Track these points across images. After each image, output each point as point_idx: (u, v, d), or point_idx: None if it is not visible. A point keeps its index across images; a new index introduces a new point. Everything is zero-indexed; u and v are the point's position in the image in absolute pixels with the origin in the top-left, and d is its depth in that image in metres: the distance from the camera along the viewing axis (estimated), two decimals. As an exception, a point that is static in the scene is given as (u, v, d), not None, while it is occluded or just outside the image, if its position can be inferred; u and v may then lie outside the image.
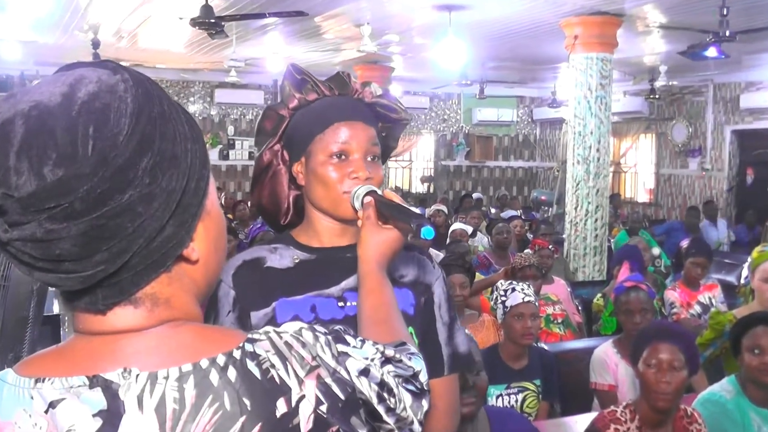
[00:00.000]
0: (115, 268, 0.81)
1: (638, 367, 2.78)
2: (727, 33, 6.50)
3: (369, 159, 1.49)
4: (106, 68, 0.84)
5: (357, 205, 1.44)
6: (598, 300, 5.22)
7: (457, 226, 7.39)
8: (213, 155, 13.76)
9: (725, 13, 6.45)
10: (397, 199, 1.41)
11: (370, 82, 1.58)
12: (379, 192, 1.43)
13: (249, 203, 8.84)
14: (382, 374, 0.93)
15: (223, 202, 11.01)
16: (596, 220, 7.65)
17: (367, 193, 1.42)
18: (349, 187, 1.45)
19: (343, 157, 1.47)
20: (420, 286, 1.61)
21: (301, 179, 1.53)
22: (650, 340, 2.77)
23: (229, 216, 8.36)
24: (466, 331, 3.31)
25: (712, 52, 6.81)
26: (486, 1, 7.28)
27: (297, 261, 1.53)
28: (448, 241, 6.98)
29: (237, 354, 0.84)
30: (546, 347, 3.96)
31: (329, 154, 1.47)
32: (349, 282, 1.51)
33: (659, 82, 11.34)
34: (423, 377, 1.02)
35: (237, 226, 8.01)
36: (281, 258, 1.53)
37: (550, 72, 12.71)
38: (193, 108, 13.83)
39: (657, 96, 12.15)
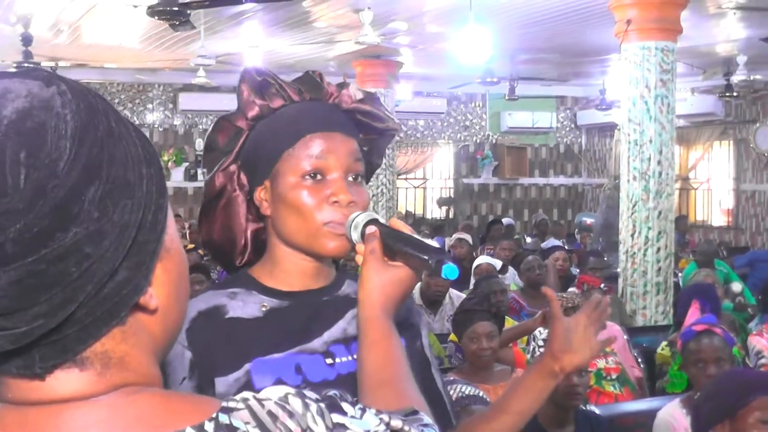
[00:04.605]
0: (57, 323, 0.80)
1: (729, 427, 2.74)
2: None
3: (351, 179, 1.50)
4: (37, 78, 0.84)
5: (355, 236, 1.45)
6: (662, 349, 5.21)
7: (483, 259, 7.41)
8: (177, 175, 13.87)
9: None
10: (405, 229, 1.42)
11: (348, 82, 1.59)
12: (381, 220, 1.45)
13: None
14: None
15: (188, 234, 11.02)
16: (658, 249, 7.65)
17: (369, 222, 1.43)
18: (330, 216, 1.46)
19: (318, 177, 1.48)
20: (410, 329, 1.64)
21: (265, 208, 1.53)
22: (755, 393, 2.73)
23: (200, 251, 8.39)
24: (482, 394, 3.28)
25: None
26: (515, -22, 7.36)
27: (266, 309, 1.53)
28: (472, 279, 6.99)
29: (210, 427, 0.84)
30: (597, 410, 3.95)
31: (301, 173, 1.48)
32: (333, 333, 1.53)
33: (737, 77, 11.37)
34: None
35: (210, 263, 8.00)
36: (245, 305, 1.53)
37: (598, 66, 12.75)
38: (152, 117, 13.95)
39: (735, 94, 12.18)
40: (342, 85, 1.58)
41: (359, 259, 1.42)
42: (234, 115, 1.56)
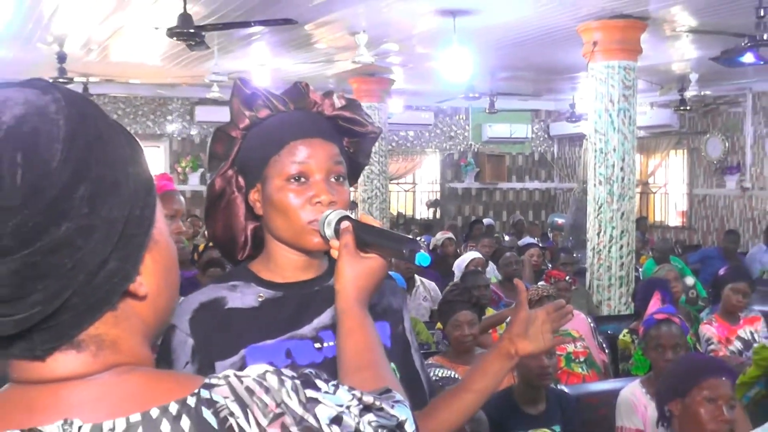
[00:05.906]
0: (53, 309, 0.81)
1: (681, 404, 2.80)
2: (765, 36, 6.52)
3: (332, 180, 1.49)
4: (35, 87, 0.84)
5: (329, 232, 1.43)
6: (624, 336, 5.21)
7: (474, 254, 7.38)
8: (194, 180, 13.81)
9: (762, 14, 6.48)
10: (375, 222, 1.42)
11: (332, 91, 1.58)
12: (353, 216, 1.44)
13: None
14: (359, 424, 0.92)
15: (205, 233, 10.95)
16: (621, 247, 7.65)
17: (341, 219, 1.42)
18: (312, 215, 1.45)
19: (302, 179, 1.47)
20: (395, 314, 1.64)
21: (258, 208, 1.52)
22: (703, 375, 2.81)
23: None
24: (455, 375, 3.29)
25: (748, 57, 6.84)
26: (493, 4, 7.34)
27: (262, 299, 1.52)
28: (457, 272, 6.97)
29: (191, 401, 0.83)
30: (566, 389, 3.96)
31: (286, 177, 1.47)
32: (322, 320, 1.52)
33: (690, 92, 11.38)
34: (409, 427, 1.01)
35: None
36: (243, 297, 1.52)
37: (568, 83, 12.77)
38: (172, 127, 13.90)
39: (688, 107, 12.19)
40: (327, 94, 1.57)
41: (334, 253, 1.42)
42: (228, 125, 1.56)
